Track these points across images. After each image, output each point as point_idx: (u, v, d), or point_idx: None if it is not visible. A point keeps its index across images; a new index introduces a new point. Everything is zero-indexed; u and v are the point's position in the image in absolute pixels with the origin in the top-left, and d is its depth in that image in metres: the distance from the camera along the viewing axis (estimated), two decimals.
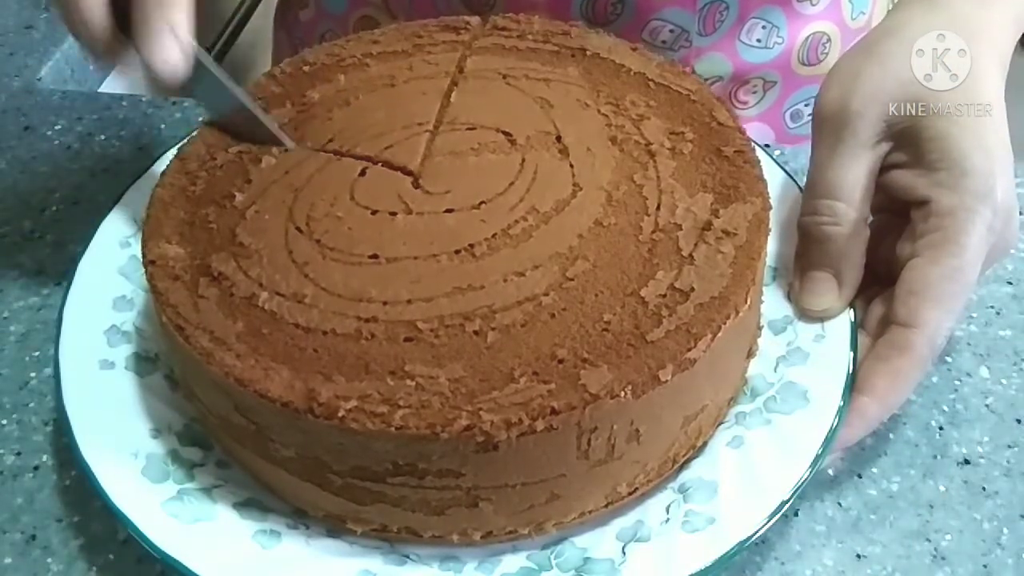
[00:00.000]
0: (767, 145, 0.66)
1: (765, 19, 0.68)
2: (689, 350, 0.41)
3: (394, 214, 0.47)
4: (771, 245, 0.47)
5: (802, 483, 0.45)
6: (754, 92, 0.71)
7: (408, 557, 0.45)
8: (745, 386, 0.49)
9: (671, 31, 0.66)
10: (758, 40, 0.68)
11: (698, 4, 0.65)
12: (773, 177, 0.51)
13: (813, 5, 0.69)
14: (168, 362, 0.51)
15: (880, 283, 0.50)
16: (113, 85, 0.83)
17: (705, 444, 0.47)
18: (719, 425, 0.48)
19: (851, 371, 0.48)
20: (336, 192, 0.48)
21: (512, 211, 0.46)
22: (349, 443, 0.41)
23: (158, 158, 0.57)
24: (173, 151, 0.52)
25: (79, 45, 0.51)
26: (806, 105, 0.72)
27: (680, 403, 0.44)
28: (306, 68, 0.55)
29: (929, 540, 0.47)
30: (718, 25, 0.67)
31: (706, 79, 0.68)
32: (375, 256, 0.45)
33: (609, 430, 0.41)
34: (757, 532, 0.44)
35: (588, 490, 0.44)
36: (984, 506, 0.49)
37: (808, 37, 0.69)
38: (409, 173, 0.49)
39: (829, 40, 0.70)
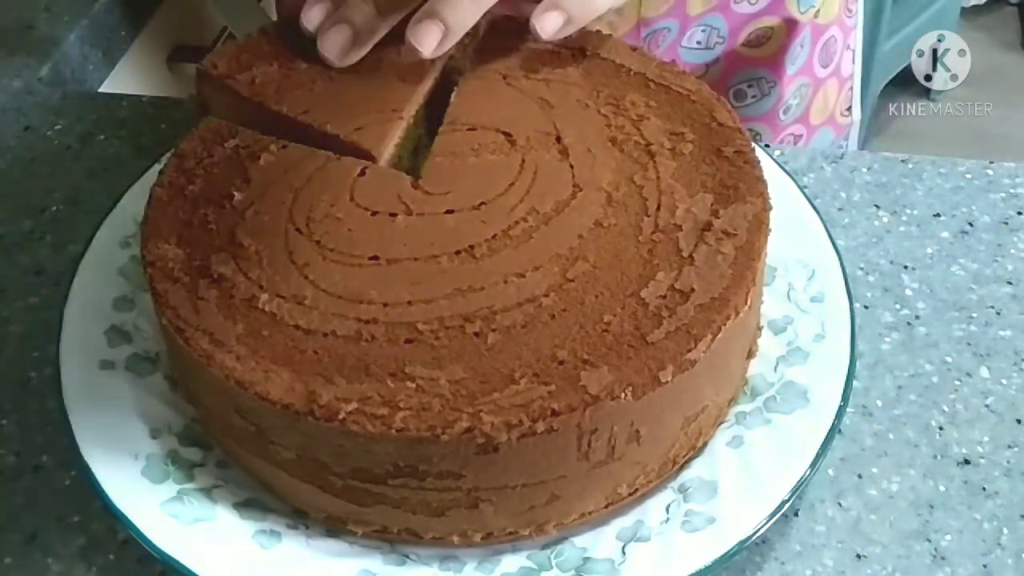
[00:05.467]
0: (767, 145, 0.66)
1: (704, 24, 0.68)
2: (689, 351, 0.41)
3: (394, 215, 0.47)
4: (771, 245, 0.47)
5: (802, 483, 0.45)
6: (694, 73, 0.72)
7: (408, 557, 0.45)
8: (745, 386, 0.49)
9: None
10: (698, 43, 0.69)
11: (642, 34, 0.67)
12: (773, 177, 0.51)
13: (752, 4, 0.69)
14: (168, 362, 0.51)
15: None
16: (113, 85, 0.82)
17: (705, 444, 0.47)
18: (719, 425, 0.48)
19: (851, 371, 0.48)
20: (336, 193, 0.48)
21: (512, 212, 0.46)
22: (349, 445, 0.41)
23: (158, 158, 0.57)
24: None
25: None
26: (749, 86, 0.73)
27: (680, 404, 0.44)
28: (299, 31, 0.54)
29: (929, 540, 0.47)
30: (660, 43, 0.68)
31: None
32: (375, 257, 0.45)
33: (609, 431, 0.41)
34: (757, 532, 0.44)
35: (588, 491, 0.44)
36: (984, 506, 0.49)
37: (752, 32, 0.70)
38: (372, 159, 0.49)
39: (773, 30, 0.71)
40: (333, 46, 0.52)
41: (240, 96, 0.52)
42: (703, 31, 0.68)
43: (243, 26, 0.51)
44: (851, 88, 0.81)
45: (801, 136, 0.77)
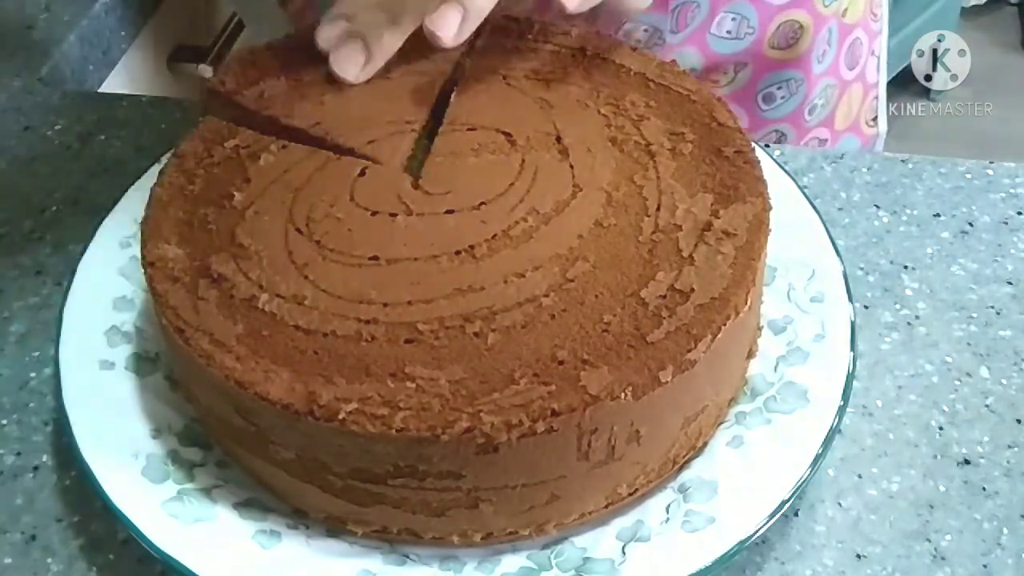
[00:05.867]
0: (767, 145, 0.66)
1: (734, 12, 0.68)
2: (689, 351, 0.41)
3: (394, 215, 0.47)
4: (771, 245, 0.47)
5: (802, 483, 0.45)
6: (724, 73, 0.72)
7: (408, 557, 0.45)
8: (745, 386, 0.49)
9: (645, 31, 0.67)
10: (728, 32, 0.69)
11: (671, 5, 0.67)
12: (773, 177, 0.51)
13: None
14: (168, 362, 0.51)
15: None
16: (113, 85, 0.82)
17: (705, 444, 0.47)
18: (719, 425, 0.48)
19: (851, 371, 0.48)
20: (336, 193, 0.48)
21: (512, 212, 0.46)
22: (349, 445, 0.41)
23: (158, 158, 0.57)
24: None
25: None
26: (778, 88, 0.73)
27: (680, 404, 0.44)
28: (305, 45, 0.54)
29: (929, 540, 0.47)
30: (689, 22, 0.68)
31: None
32: (375, 257, 0.45)
33: (609, 431, 0.41)
34: (757, 532, 0.44)
35: (588, 491, 0.44)
36: (984, 506, 0.49)
37: (780, 26, 0.70)
38: None
39: (801, 27, 0.71)
40: (347, 63, 0.52)
41: (249, 111, 0.52)
42: (733, 19, 0.69)
43: (254, 15, 0.50)
44: (876, 97, 0.81)
45: (826, 140, 0.77)
